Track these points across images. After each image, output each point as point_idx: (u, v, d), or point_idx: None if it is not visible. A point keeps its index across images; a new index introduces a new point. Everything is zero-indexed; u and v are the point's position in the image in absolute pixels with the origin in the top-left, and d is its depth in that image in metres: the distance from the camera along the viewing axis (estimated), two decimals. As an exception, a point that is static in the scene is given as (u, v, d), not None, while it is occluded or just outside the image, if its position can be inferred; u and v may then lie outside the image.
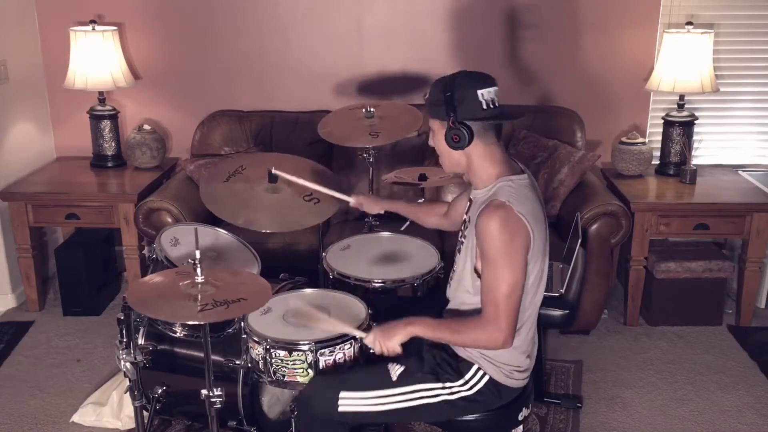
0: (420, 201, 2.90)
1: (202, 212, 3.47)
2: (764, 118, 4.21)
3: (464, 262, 2.27)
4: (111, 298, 4.03)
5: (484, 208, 2.11)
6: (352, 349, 2.40)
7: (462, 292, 2.29)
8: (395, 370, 2.25)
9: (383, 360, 2.28)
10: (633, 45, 4.09)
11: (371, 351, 2.29)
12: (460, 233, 2.34)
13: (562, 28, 4.07)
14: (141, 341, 2.63)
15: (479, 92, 2.11)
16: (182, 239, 2.86)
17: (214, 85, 4.20)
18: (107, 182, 3.91)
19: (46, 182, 3.91)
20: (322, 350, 2.35)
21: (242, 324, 2.51)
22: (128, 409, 2.93)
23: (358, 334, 2.33)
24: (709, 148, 4.22)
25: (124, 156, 4.09)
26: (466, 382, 2.23)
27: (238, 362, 2.56)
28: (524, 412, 2.35)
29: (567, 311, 2.96)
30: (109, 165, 4.06)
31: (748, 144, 4.24)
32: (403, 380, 2.23)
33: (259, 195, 2.73)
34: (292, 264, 3.12)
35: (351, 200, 2.80)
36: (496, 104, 2.15)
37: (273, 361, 2.38)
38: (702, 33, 3.80)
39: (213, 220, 3.15)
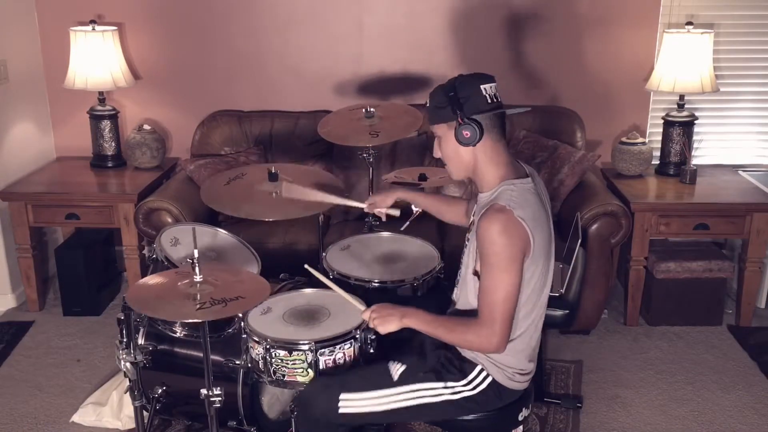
0: (416, 210, 2.85)
1: (202, 212, 3.48)
2: (764, 118, 4.21)
3: (467, 264, 2.28)
4: (111, 298, 4.03)
5: (485, 212, 2.12)
6: (351, 348, 2.40)
7: (466, 294, 2.29)
8: (396, 369, 2.25)
9: (384, 359, 2.29)
10: (633, 45, 4.09)
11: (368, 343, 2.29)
12: (467, 235, 2.34)
13: (562, 28, 4.07)
14: (141, 341, 2.63)
15: (482, 87, 2.13)
16: (182, 239, 2.86)
17: (214, 85, 4.21)
18: (107, 182, 3.91)
19: (46, 182, 3.91)
20: (322, 350, 2.35)
21: (242, 324, 2.51)
22: (128, 409, 2.93)
23: (357, 304, 2.35)
24: (709, 148, 4.22)
25: (124, 156, 4.09)
26: (470, 382, 2.23)
27: (238, 362, 2.56)
28: (524, 413, 2.35)
29: (567, 311, 2.96)
30: (109, 165, 4.06)
31: (748, 144, 4.24)
32: (404, 379, 2.23)
33: (259, 191, 2.73)
34: (292, 264, 3.12)
35: (365, 206, 2.77)
36: (499, 99, 2.16)
37: (273, 361, 2.38)
38: (702, 33, 3.80)
39: (213, 221, 3.16)
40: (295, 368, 2.36)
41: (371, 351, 2.45)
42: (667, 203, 3.70)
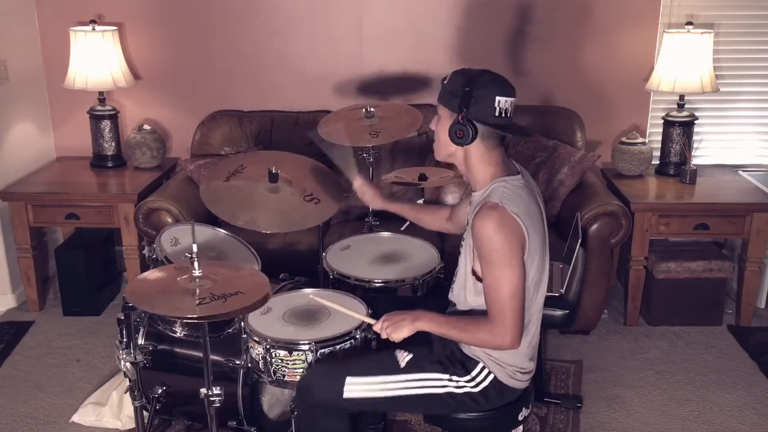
0: (420, 201, 2.88)
1: (202, 212, 3.47)
2: (764, 118, 4.21)
3: (464, 264, 2.28)
4: (111, 298, 4.03)
5: (478, 210, 2.12)
6: (351, 348, 2.40)
7: (465, 295, 2.30)
8: (403, 357, 2.26)
9: (391, 346, 2.29)
10: (633, 45, 4.09)
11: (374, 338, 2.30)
12: (463, 235, 2.34)
13: (562, 28, 4.07)
14: (141, 341, 2.63)
15: (498, 98, 2.12)
16: (182, 239, 2.86)
17: (214, 85, 4.21)
18: (107, 182, 3.91)
19: (46, 182, 3.91)
20: (322, 350, 2.35)
21: (242, 324, 2.51)
22: (128, 409, 2.93)
23: (367, 320, 2.35)
24: (709, 148, 4.22)
25: (124, 156, 4.09)
26: (473, 379, 2.23)
27: (238, 362, 2.56)
28: (524, 412, 2.35)
29: (567, 311, 2.96)
30: (109, 165, 4.06)
31: (748, 144, 4.24)
32: (410, 368, 2.24)
33: (259, 195, 2.72)
34: (292, 264, 3.12)
35: (355, 182, 2.76)
36: (509, 114, 2.15)
37: (273, 361, 2.38)
38: (702, 33, 3.80)
39: (213, 220, 3.15)
40: (295, 368, 2.36)
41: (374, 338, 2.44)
42: (667, 203, 3.70)
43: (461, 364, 2.24)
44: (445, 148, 2.23)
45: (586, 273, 3.26)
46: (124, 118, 4.22)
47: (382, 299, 2.65)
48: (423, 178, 3.24)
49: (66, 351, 3.54)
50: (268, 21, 4.11)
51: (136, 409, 2.60)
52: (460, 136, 2.13)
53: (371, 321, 2.33)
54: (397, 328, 2.22)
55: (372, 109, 3.29)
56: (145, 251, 2.86)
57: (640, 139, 3.91)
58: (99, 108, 4.03)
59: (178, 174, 3.95)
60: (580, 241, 2.98)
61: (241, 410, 2.60)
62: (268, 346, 2.38)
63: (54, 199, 3.76)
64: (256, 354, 2.42)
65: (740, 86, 4.15)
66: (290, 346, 2.37)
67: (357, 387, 2.22)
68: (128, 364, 2.45)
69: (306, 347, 2.35)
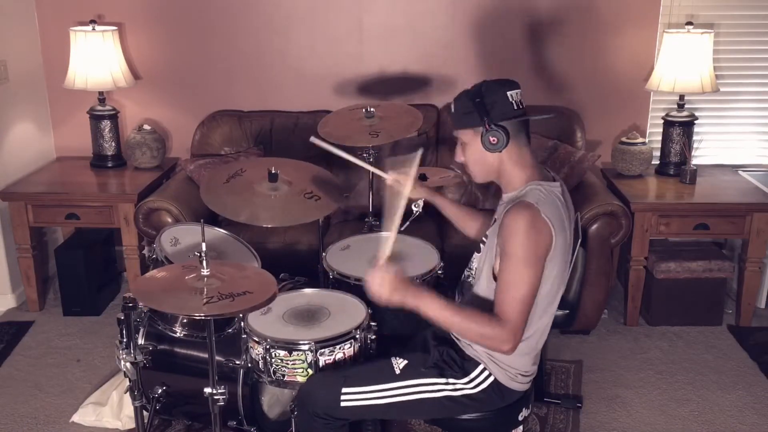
0: (419, 202, 2.79)
1: (202, 212, 3.47)
2: (764, 118, 4.21)
3: (483, 261, 2.25)
4: (111, 298, 4.04)
5: (512, 207, 2.10)
6: (351, 348, 2.41)
7: (481, 293, 2.27)
8: (398, 364, 2.25)
9: (386, 355, 2.30)
10: (633, 45, 4.09)
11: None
12: (485, 232, 2.31)
13: (562, 28, 4.07)
14: (141, 341, 2.63)
15: (509, 93, 2.13)
16: (182, 239, 2.87)
17: (214, 85, 4.21)
18: (107, 182, 3.91)
19: (46, 182, 3.91)
20: (322, 350, 2.36)
21: (242, 324, 2.51)
22: (128, 409, 2.93)
23: (378, 172, 2.39)
24: (709, 148, 4.22)
25: (124, 156, 4.09)
26: (471, 381, 2.23)
27: (238, 362, 2.56)
28: (524, 413, 2.35)
29: (567, 311, 2.96)
30: (109, 165, 4.06)
31: (748, 144, 4.24)
32: (406, 374, 2.24)
33: (259, 193, 2.73)
34: (292, 264, 3.12)
35: (387, 178, 2.65)
36: (523, 105, 2.17)
37: (273, 361, 2.38)
38: (702, 33, 3.81)
39: (213, 221, 3.15)
40: (295, 368, 2.36)
41: (371, 351, 2.45)
42: (667, 203, 3.70)
43: (460, 366, 2.24)
44: (482, 166, 2.20)
45: (586, 273, 3.25)
46: (124, 118, 4.22)
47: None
48: (423, 178, 3.23)
49: (66, 351, 3.54)
50: (268, 21, 4.11)
51: (136, 409, 2.60)
52: (495, 143, 2.12)
53: (384, 174, 2.38)
54: (391, 292, 2.12)
55: (372, 109, 3.29)
56: (145, 251, 2.86)
57: (640, 139, 3.91)
58: (99, 108, 4.03)
59: (178, 174, 3.95)
60: (580, 241, 2.97)
61: (241, 410, 2.60)
62: (268, 346, 2.38)
63: (54, 199, 3.76)
64: (256, 354, 2.42)
65: (740, 86, 4.15)
66: (290, 346, 2.37)
67: (353, 396, 2.23)
68: (128, 364, 2.44)
69: (306, 347, 2.35)
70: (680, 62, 3.80)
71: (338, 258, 2.93)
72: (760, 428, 3.03)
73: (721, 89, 3.97)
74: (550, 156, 3.79)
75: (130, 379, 2.51)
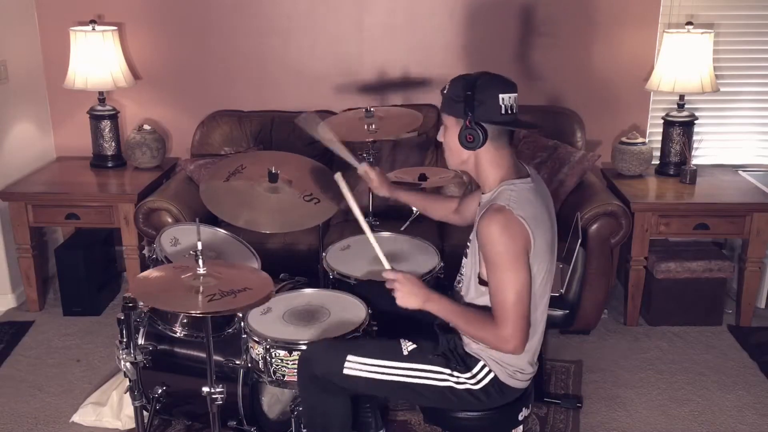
0: (416, 210, 2.84)
1: (202, 212, 3.47)
2: (764, 118, 4.21)
3: (470, 266, 2.27)
4: (111, 298, 4.03)
5: (484, 212, 2.12)
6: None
7: (468, 292, 2.29)
8: (407, 346, 2.26)
9: (396, 335, 2.30)
10: (633, 45, 4.09)
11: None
12: (469, 236, 2.33)
13: (562, 28, 4.07)
14: (141, 341, 2.64)
15: (501, 96, 2.12)
16: (182, 239, 2.87)
17: (214, 85, 4.20)
18: (107, 182, 3.91)
19: (46, 182, 3.91)
20: (322, 350, 2.35)
21: (242, 324, 2.51)
22: (128, 409, 2.93)
23: (384, 260, 2.26)
24: (709, 148, 4.22)
25: (124, 156, 4.09)
26: (473, 376, 2.23)
27: (238, 362, 2.56)
28: (524, 412, 2.35)
29: (567, 311, 2.96)
30: (109, 165, 4.06)
31: (748, 144, 4.24)
32: (413, 357, 2.24)
33: (259, 195, 2.73)
34: (292, 264, 3.12)
35: (359, 167, 2.72)
36: (514, 110, 2.15)
37: (273, 360, 2.38)
38: (702, 33, 3.80)
39: (213, 220, 3.15)
40: (295, 368, 2.36)
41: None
42: (667, 203, 3.70)
43: (462, 360, 2.24)
44: (457, 156, 2.22)
45: (586, 273, 3.26)
46: (124, 118, 4.22)
47: (382, 299, 2.65)
48: (423, 178, 3.24)
49: (66, 351, 3.54)
50: (268, 21, 4.11)
51: (136, 409, 2.60)
52: (470, 141, 2.13)
53: (387, 264, 2.23)
54: (406, 296, 2.18)
55: (372, 109, 3.29)
56: (145, 251, 2.86)
57: (640, 139, 3.91)
58: (99, 108, 4.03)
59: (178, 174, 3.95)
60: (580, 241, 2.98)
61: (241, 410, 2.60)
62: (268, 346, 2.38)
63: (54, 199, 3.76)
64: (256, 354, 2.42)
65: (740, 86, 4.15)
66: (290, 346, 2.37)
67: (357, 366, 2.23)
68: (128, 364, 2.45)
69: (306, 347, 2.35)
70: (680, 62, 3.80)
71: (338, 258, 2.94)
72: (760, 428, 3.03)
73: (721, 89, 3.97)
74: (550, 156, 3.79)
75: (130, 379, 2.51)
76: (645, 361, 3.50)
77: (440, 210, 2.70)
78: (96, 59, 3.87)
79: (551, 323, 2.97)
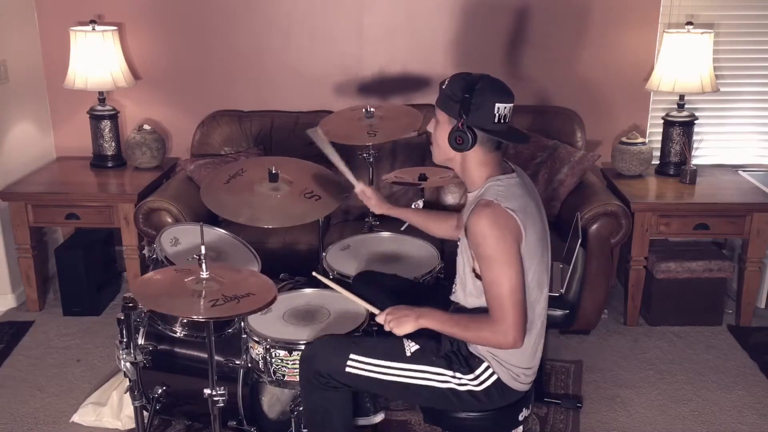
0: (419, 202, 2.86)
1: (202, 212, 3.47)
2: (764, 118, 4.21)
3: (463, 265, 2.29)
4: (111, 298, 4.03)
5: (473, 209, 2.13)
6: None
7: (467, 295, 2.29)
8: (410, 347, 2.26)
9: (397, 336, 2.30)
10: (633, 45, 4.09)
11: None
12: (458, 235, 2.34)
13: (562, 27, 4.07)
14: (141, 341, 2.64)
15: (497, 105, 2.13)
16: (182, 239, 2.87)
17: (214, 85, 4.20)
18: (107, 182, 3.91)
19: (46, 182, 3.91)
20: (322, 350, 2.35)
21: (242, 324, 2.51)
22: (128, 409, 2.93)
23: (371, 309, 2.34)
24: (709, 148, 4.22)
25: (124, 156, 4.09)
26: (476, 378, 2.23)
27: (238, 362, 2.56)
28: (524, 413, 2.35)
29: (567, 311, 2.96)
30: (109, 165, 4.06)
31: (749, 144, 4.24)
32: (416, 358, 2.24)
33: (259, 193, 2.73)
34: (292, 264, 3.12)
35: (357, 187, 2.73)
36: (508, 120, 2.17)
37: (273, 360, 2.38)
38: (702, 33, 3.81)
39: (213, 221, 3.15)
40: (295, 368, 2.36)
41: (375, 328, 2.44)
42: (667, 203, 3.70)
43: (466, 361, 2.25)
44: (444, 152, 2.24)
45: (586, 273, 3.26)
46: (124, 118, 4.22)
47: (380, 299, 2.65)
48: (423, 178, 3.24)
49: (66, 351, 3.54)
50: (268, 21, 4.11)
51: (136, 409, 2.60)
52: (459, 143, 2.14)
53: (375, 311, 2.32)
54: (401, 323, 2.22)
55: (372, 109, 3.29)
56: (145, 251, 2.86)
57: (640, 139, 3.91)
58: (99, 108, 4.03)
59: (178, 174, 3.95)
60: (580, 241, 2.98)
61: (241, 410, 2.60)
62: (268, 346, 2.38)
63: (54, 199, 3.75)
64: (256, 354, 2.42)
65: (740, 86, 4.15)
66: (290, 346, 2.37)
67: (359, 365, 2.23)
68: (128, 364, 2.45)
69: (308, 343, 2.35)
70: (680, 62, 3.80)
71: (338, 258, 2.94)
72: (760, 428, 3.03)
73: (721, 89, 3.97)
74: (550, 156, 3.79)
75: (130, 379, 2.51)
76: (645, 361, 3.50)
77: (441, 228, 2.68)
78: (96, 59, 3.87)
79: (551, 323, 2.97)
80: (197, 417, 2.82)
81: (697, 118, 3.95)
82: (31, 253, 3.81)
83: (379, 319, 2.28)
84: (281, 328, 2.48)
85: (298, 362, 2.35)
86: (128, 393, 2.59)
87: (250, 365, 2.50)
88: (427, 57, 4.12)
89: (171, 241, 2.84)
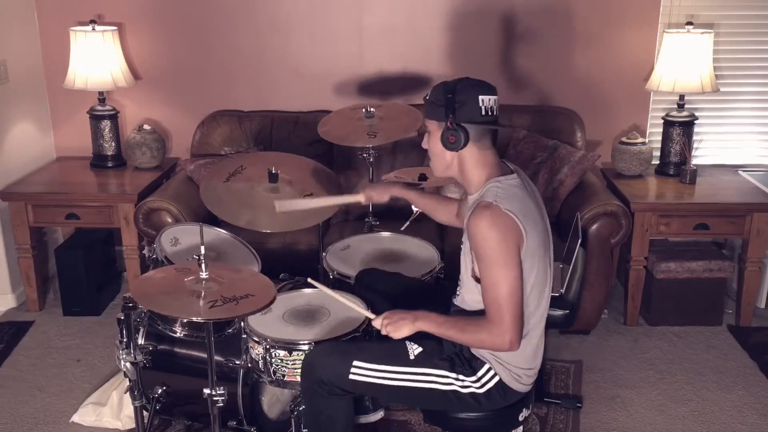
0: (416, 210, 2.84)
1: (202, 212, 3.47)
2: (764, 118, 4.21)
3: (465, 267, 2.28)
4: (111, 298, 4.03)
5: (473, 210, 2.13)
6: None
7: (468, 297, 2.29)
8: (413, 350, 2.26)
9: (402, 340, 2.29)
10: (633, 45, 4.09)
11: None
12: (462, 238, 2.34)
13: (562, 28, 4.07)
14: (141, 341, 2.63)
15: (481, 98, 2.14)
16: (182, 239, 2.87)
17: (214, 85, 4.20)
18: (107, 182, 3.91)
19: (46, 182, 3.91)
20: (322, 350, 2.35)
21: (242, 324, 2.51)
22: (128, 409, 2.93)
23: (367, 314, 2.34)
24: (709, 148, 4.22)
25: (124, 156, 4.09)
26: (478, 379, 2.23)
27: (238, 362, 2.56)
28: (524, 413, 2.35)
29: (567, 311, 2.96)
30: (109, 165, 4.06)
31: (748, 144, 4.24)
32: (419, 361, 2.24)
33: (259, 195, 2.73)
34: (292, 264, 3.12)
35: (361, 199, 2.73)
36: (495, 113, 2.17)
37: (273, 361, 2.38)
38: (702, 33, 3.80)
39: (213, 220, 3.15)
40: (295, 368, 2.36)
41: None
42: (667, 203, 3.70)
43: (468, 363, 2.25)
44: (441, 160, 2.24)
45: (586, 273, 3.26)
46: (124, 118, 4.22)
47: (381, 299, 2.65)
48: (423, 178, 3.24)
49: (66, 351, 3.54)
50: (268, 21, 4.11)
51: (136, 409, 2.60)
52: (452, 141, 2.15)
53: (372, 316, 2.32)
54: (398, 327, 2.22)
55: (372, 109, 3.29)
56: (145, 251, 2.86)
57: (640, 139, 3.91)
58: (99, 108, 4.03)
59: (178, 174, 3.95)
60: (580, 241, 2.98)
61: (241, 410, 2.60)
62: (268, 346, 2.38)
63: (54, 199, 3.75)
64: (256, 354, 2.42)
65: (740, 86, 4.15)
66: (290, 346, 2.37)
67: (363, 371, 2.23)
68: (128, 364, 2.45)
69: (306, 347, 2.35)
70: (680, 62, 3.80)
71: (338, 258, 2.94)
72: (760, 428, 3.03)
73: (721, 89, 3.97)
74: (550, 156, 3.79)
75: (130, 379, 2.52)
76: (645, 361, 3.50)
77: (444, 213, 2.68)
78: (96, 59, 3.87)
79: (551, 323, 2.97)
80: (197, 417, 2.82)
81: (697, 118, 3.95)
82: (31, 253, 3.81)
83: (376, 324, 2.28)
84: (281, 328, 2.48)
85: (298, 362, 2.35)
86: (128, 393, 2.59)
87: (250, 365, 2.50)
88: (427, 57, 4.12)
89: (171, 241, 2.84)
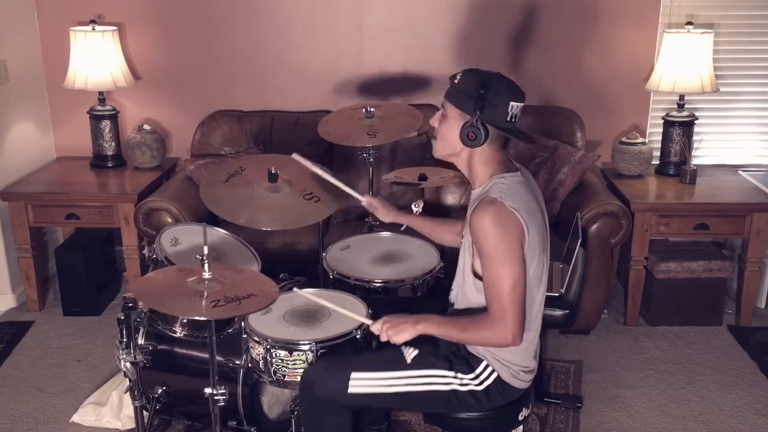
0: (419, 203, 2.84)
1: (202, 212, 3.47)
2: (764, 118, 4.21)
3: (464, 262, 2.28)
4: (111, 298, 4.03)
5: (476, 205, 2.12)
6: (352, 348, 2.40)
7: (465, 293, 2.29)
8: (409, 353, 2.25)
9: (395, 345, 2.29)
10: (633, 45, 4.09)
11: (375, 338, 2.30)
12: (461, 232, 2.34)
13: (562, 27, 4.07)
14: (141, 341, 2.63)
15: (512, 103, 2.13)
16: (182, 239, 2.86)
17: (214, 85, 4.20)
18: (107, 182, 3.91)
19: (46, 182, 3.91)
20: (323, 350, 2.35)
21: (242, 324, 2.51)
22: (128, 409, 2.93)
23: (365, 321, 2.34)
24: (709, 148, 4.22)
25: (124, 156, 4.09)
26: (477, 377, 2.23)
27: (238, 362, 2.56)
28: (524, 412, 2.35)
29: (567, 311, 2.96)
30: (109, 165, 4.06)
31: (749, 144, 4.24)
32: (417, 363, 2.24)
33: (259, 194, 2.72)
34: (292, 264, 3.12)
35: (363, 200, 2.73)
36: (516, 120, 2.16)
37: (273, 361, 2.38)
38: (702, 33, 3.81)
39: (213, 220, 3.15)
40: (296, 368, 2.36)
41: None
42: (667, 203, 3.70)
43: (466, 361, 2.25)
44: (449, 146, 2.22)
45: (586, 273, 3.26)
46: (124, 118, 4.22)
47: (382, 299, 2.65)
48: (423, 178, 3.24)
49: (66, 351, 3.54)
50: (268, 21, 4.11)
51: (136, 409, 2.60)
52: (472, 139, 2.13)
53: (369, 322, 2.32)
54: (399, 331, 2.21)
55: (372, 109, 3.29)
56: (145, 251, 2.86)
57: (640, 139, 3.91)
58: (99, 108, 4.03)
59: (178, 174, 3.95)
60: (580, 241, 2.98)
61: (241, 410, 2.60)
62: (268, 346, 2.38)
63: (54, 199, 3.75)
64: (257, 354, 2.42)
65: (740, 86, 4.15)
66: (290, 346, 2.37)
67: (362, 382, 2.22)
68: (128, 364, 2.45)
69: (306, 347, 2.35)
70: (680, 62, 3.80)
71: (338, 258, 2.93)
72: (760, 428, 3.03)
73: (721, 89, 3.97)
74: (550, 156, 3.79)
75: (130, 379, 2.52)
76: (645, 361, 3.50)
77: (448, 234, 2.65)
78: (96, 59, 3.87)
79: (551, 323, 2.98)
80: (197, 417, 2.82)
81: (697, 118, 3.95)
82: (31, 253, 3.81)
83: (375, 329, 2.26)
84: (282, 328, 2.47)
85: (298, 362, 2.35)
86: (128, 393, 2.59)
87: (250, 365, 2.50)
88: (427, 57, 4.12)
89: (171, 241, 2.84)
